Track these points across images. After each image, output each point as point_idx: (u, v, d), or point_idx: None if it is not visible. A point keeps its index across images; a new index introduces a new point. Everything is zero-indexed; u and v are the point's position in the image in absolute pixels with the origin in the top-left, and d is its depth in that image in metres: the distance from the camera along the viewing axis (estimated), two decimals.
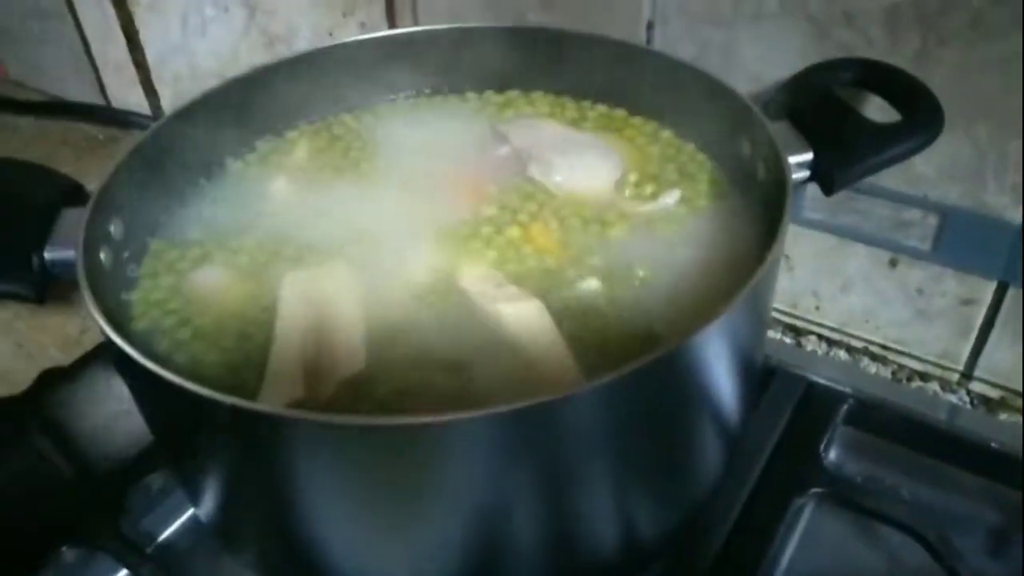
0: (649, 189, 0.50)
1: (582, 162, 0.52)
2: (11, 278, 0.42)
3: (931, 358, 0.60)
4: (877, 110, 0.49)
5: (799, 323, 0.65)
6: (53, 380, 0.53)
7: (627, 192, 0.50)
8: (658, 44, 0.59)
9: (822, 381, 0.58)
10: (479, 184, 0.51)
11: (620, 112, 0.57)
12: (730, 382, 0.42)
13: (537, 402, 0.32)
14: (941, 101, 0.47)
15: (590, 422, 0.36)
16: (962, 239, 0.54)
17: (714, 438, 0.45)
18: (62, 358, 0.53)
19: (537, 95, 0.59)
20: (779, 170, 0.43)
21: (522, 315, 0.43)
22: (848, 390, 0.57)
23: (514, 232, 0.48)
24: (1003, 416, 0.59)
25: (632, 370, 0.33)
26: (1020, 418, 0.58)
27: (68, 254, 0.41)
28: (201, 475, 0.42)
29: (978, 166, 0.51)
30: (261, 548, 0.46)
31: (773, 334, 0.66)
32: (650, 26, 0.59)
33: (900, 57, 0.50)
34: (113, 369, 0.52)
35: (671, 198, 0.49)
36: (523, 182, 0.51)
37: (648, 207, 0.49)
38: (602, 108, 0.57)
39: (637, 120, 0.56)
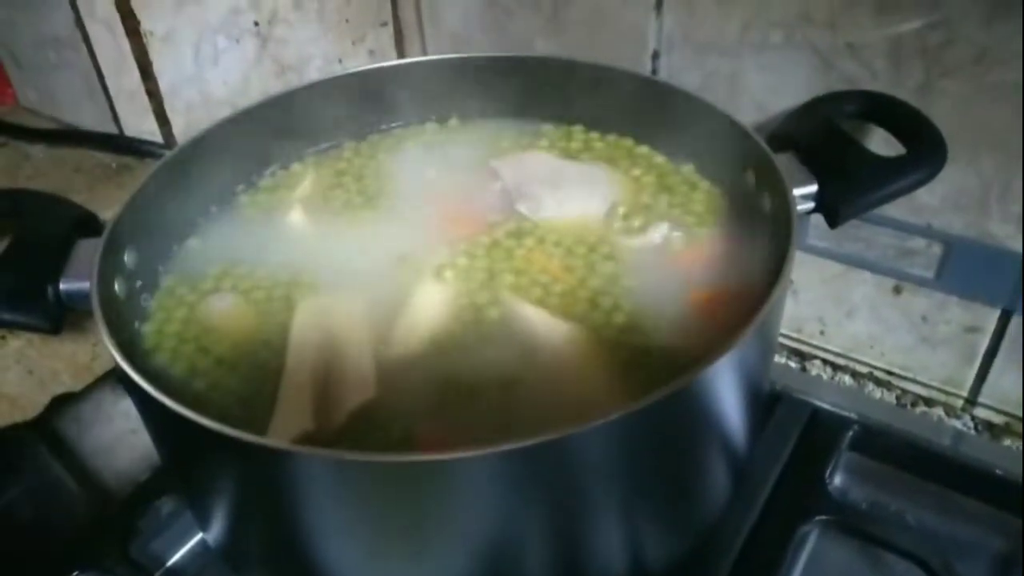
0: (637, 222, 0.51)
1: (570, 196, 0.53)
2: (27, 310, 0.43)
3: (935, 384, 0.61)
4: (882, 142, 0.50)
5: (804, 348, 0.66)
6: (64, 405, 0.53)
7: (616, 225, 0.51)
8: (663, 73, 0.60)
9: (827, 406, 0.59)
10: (477, 217, 0.52)
11: (627, 141, 0.57)
12: (738, 411, 0.43)
13: (546, 439, 0.33)
14: (945, 132, 0.47)
15: (598, 456, 0.36)
16: (966, 268, 0.54)
17: (722, 465, 0.45)
18: (73, 384, 0.53)
19: (547, 126, 0.59)
20: (784, 202, 0.44)
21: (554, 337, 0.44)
22: (853, 415, 0.58)
23: (519, 261, 0.48)
24: (1007, 442, 0.59)
25: (640, 407, 0.34)
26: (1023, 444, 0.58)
27: (83, 285, 0.42)
28: (210, 501, 0.43)
29: (982, 196, 0.52)
30: (270, 574, 0.46)
31: (778, 358, 0.66)
32: (655, 55, 0.60)
33: (904, 89, 0.50)
34: (123, 391, 0.53)
35: (658, 233, 0.50)
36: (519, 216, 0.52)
37: (635, 240, 0.50)
38: (609, 137, 0.58)
39: (643, 149, 0.57)
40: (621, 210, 0.52)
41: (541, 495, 0.37)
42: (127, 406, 0.54)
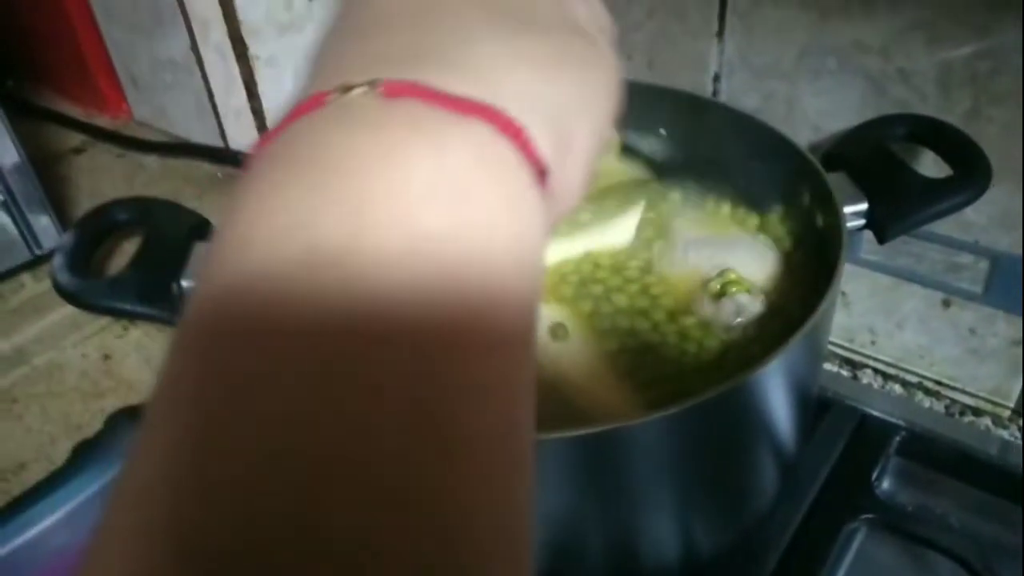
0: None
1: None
2: (154, 303, 0.49)
3: (983, 394, 0.63)
4: (931, 163, 0.53)
5: (855, 357, 0.68)
6: None
7: None
8: (724, 95, 0.63)
9: (876, 413, 0.62)
10: None
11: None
12: (786, 411, 0.46)
13: (606, 428, 0.37)
14: (992, 155, 0.50)
15: (657, 446, 0.40)
16: (1012, 284, 0.57)
17: (770, 461, 0.49)
18: None
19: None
20: (835, 219, 0.48)
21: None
22: (901, 422, 0.60)
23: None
24: None
25: (693, 404, 0.37)
26: None
27: None
28: None
29: None
30: None
31: (830, 367, 0.69)
32: (716, 78, 0.63)
33: (952, 114, 0.53)
34: None
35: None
36: None
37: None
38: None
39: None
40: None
41: (600, 482, 0.41)
42: None
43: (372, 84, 0.21)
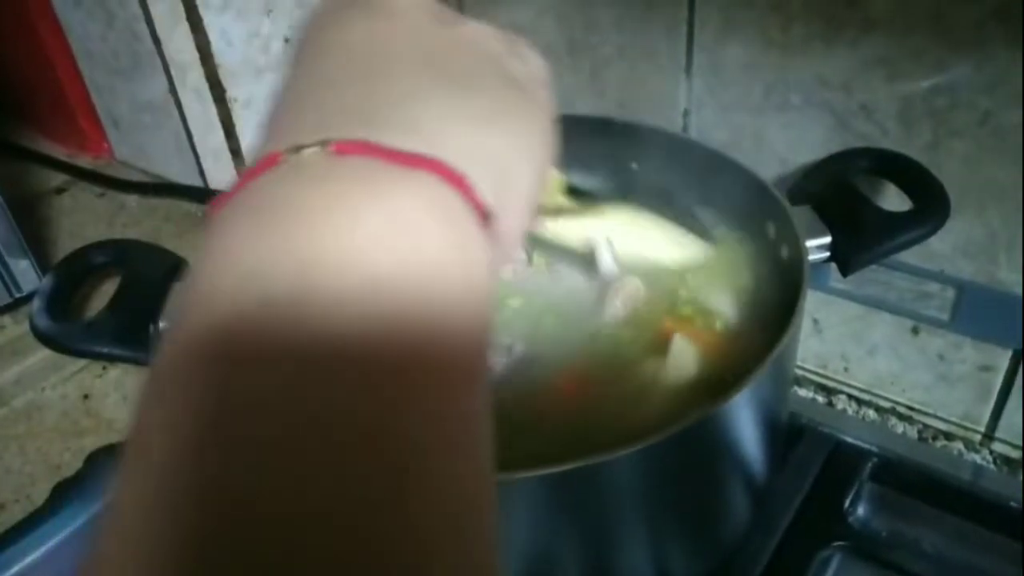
0: None
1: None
2: (131, 345, 0.49)
3: (954, 419, 0.64)
4: (895, 195, 0.54)
5: (830, 383, 0.70)
6: None
7: None
8: (693, 129, 0.65)
9: (849, 439, 0.62)
10: None
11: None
12: (755, 442, 0.47)
13: (576, 465, 0.38)
14: (953, 186, 0.51)
15: (624, 481, 0.41)
16: (978, 311, 0.58)
17: (740, 493, 0.50)
18: None
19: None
20: (798, 252, 0.49)
21: None
22: (874, 448, 0.61)
23: None
24: None
25: (661, 438, 0.38)
26: None
27: None
28: None
29: (990, 245, 0.56)
30: None
31: (805, 393, 0.70)
32: (686, 113, 0.65)
33: (914, 147, 0.55)
34: None
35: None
36: None
37: None
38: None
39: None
40: None
41: (575, 515, 0.42)
42: None
43: (323, 144, 0.22)
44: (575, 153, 0.64)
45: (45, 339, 0.48)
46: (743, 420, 0.44)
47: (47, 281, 0.51)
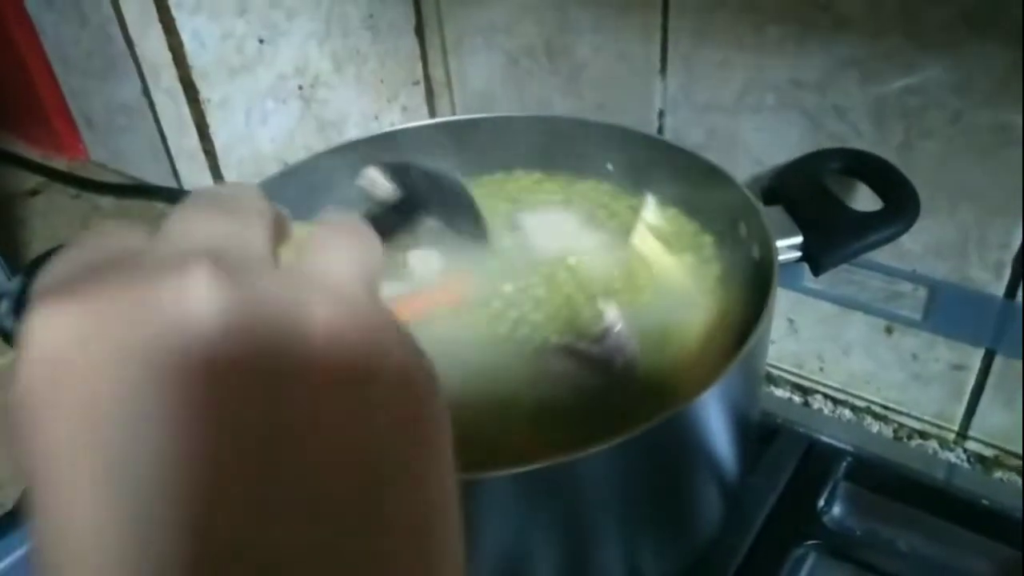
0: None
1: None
2: None
3: (928, 418, 0.65)
4: (868, 195, 0.55)
5: (805, 383, 0.70)
6: None
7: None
8: (668, 130, 0.65)
9: (824, 438, 0.63)
10: None
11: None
12: (726, 440, 0.47)
13: (546, 464, 0.37)
14: (925, 186, 0.52)
15: (595, 480, 0.41)
16: (950, 310, 0.58)
17: (713, 491, 0.50)
18: None
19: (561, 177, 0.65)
20: (769, 251, 0.49)
21: None
22: (848, 447, 0.62)
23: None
24: (998, 474, 0.62)
25: (630, 436, 0.38)
26: (1014, 476, 0.62)
27: None
28: None
29: (962, 244, 0.56)
30: None
31: (781, 392, 0.70)
32: (661, 114, 0.65)
33: (886, 147, 0.55)
34: None
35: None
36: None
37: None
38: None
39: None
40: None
41: (545, 515, 0.42)
42: None
43: None
44: (551, 153, 0.65)
45: (13, 341, 0.48)
46: (712, 418, 0.44)
47: (16, 282, 0.50)
